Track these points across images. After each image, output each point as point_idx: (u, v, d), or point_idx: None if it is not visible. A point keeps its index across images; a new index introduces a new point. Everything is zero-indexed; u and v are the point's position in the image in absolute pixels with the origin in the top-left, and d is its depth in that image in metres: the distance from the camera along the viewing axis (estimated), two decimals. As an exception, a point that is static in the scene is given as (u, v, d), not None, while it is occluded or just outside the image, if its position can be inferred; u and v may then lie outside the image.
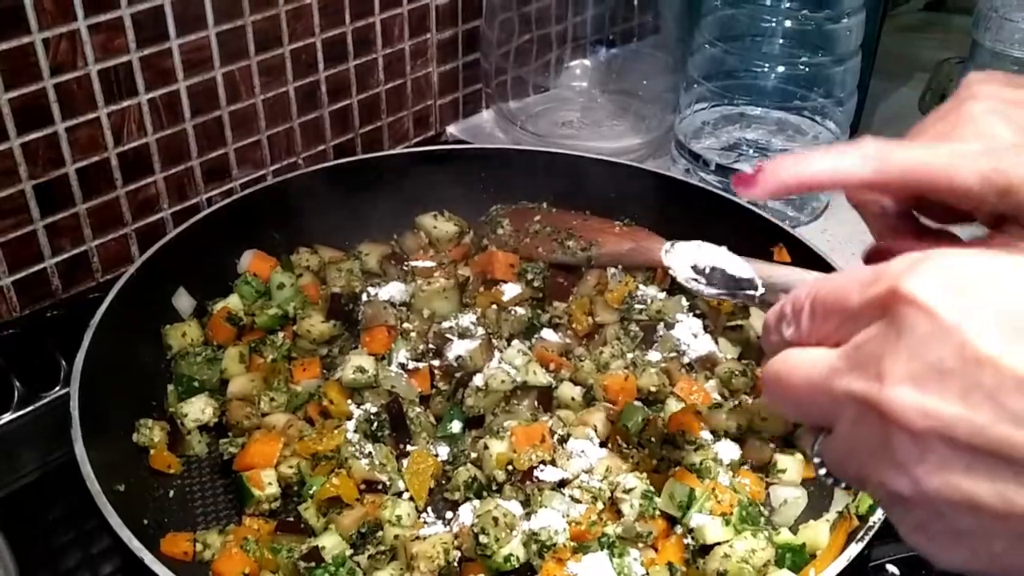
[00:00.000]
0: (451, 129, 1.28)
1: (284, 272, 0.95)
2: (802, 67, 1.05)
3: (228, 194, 1.06)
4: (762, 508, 0.78)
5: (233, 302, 0.93)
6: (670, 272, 0.70)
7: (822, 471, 0.43)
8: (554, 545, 0.71)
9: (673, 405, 0.84)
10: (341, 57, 1.11)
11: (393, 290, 0.92)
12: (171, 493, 0.80)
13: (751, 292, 0.66)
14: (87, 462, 0.70)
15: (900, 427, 0.36)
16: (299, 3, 1.04)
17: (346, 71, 1.13)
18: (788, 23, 1.03)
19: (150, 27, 0.93)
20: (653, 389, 0.85)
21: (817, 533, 0.74)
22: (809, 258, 0.88)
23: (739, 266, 0.68)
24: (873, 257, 0.64)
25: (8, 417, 0.87)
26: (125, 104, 0.95)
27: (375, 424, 0.81)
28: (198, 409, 0.84)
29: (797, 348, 0.43)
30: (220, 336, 0.90)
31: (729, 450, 0.81)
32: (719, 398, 0.86)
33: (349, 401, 0.84)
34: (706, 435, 0.82)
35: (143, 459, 0.81)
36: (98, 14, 0.89)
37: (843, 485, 0.45)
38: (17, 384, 0.89)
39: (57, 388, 0.89)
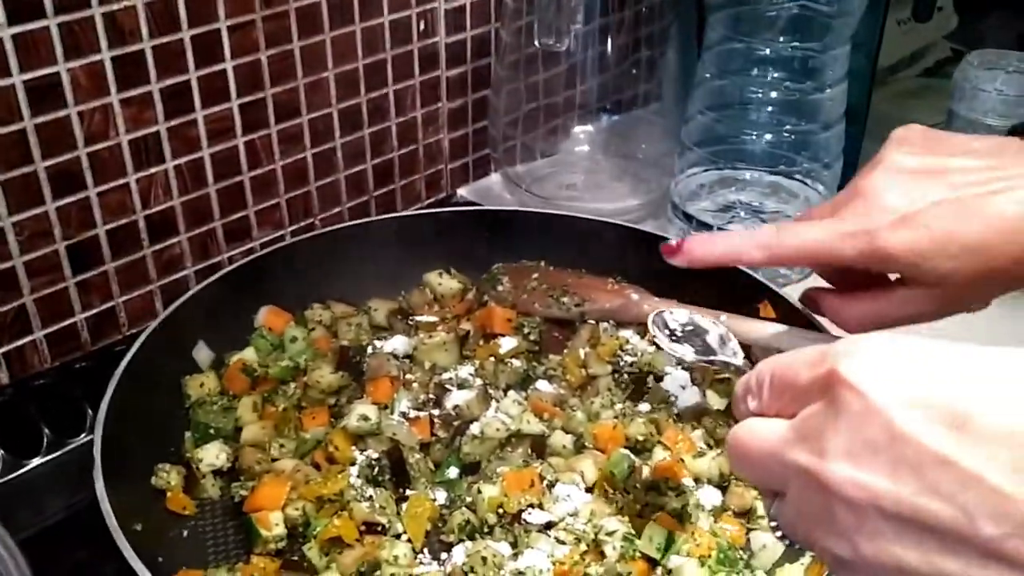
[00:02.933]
0: (461, 191, 1.35)
1: (297, 326, 1.01)
2: (787, 134, 1.11)
3: (248, 253, 1.13)
4: (742, 552, 0.81)
5: (248, 355, 0.99)
6: (655, 339, 0.74)
7: (778, 533, 0.49)
8: (539, 583, 0.75)
9: (659, 453, 0.89)
10: (356, 125, 1.19)
11: (397, 343, 0.97)
12: (185, 533, 0.86)
13: (730, 361, 0.70)
14: (107, 501, 0.75)
15: (839, 498, 0.41)
16: (317, 76, 1.11)
17: (361, 138, 1.20)
18: (774, 94, 1.09)
19: (177, 100, 1.01)
20: (641, 438, 0.90)
21: (791, 576, 0.78)
22: (791, 313, 0.93)
23: (722, 335, 0.73)
24: (805, 300, 0.72)
25: (37, 461, 0.93)
26: (153, 171, 1.02)
27: (377, 469, 0.86)
28: (213, 455, 0.89)
29: (759, 418, 0.49)
30: (236, 386, 0.96)
31: (711, 496, 0.85)
32: (704, 447, 0.90)
33: (353, 447, 0.89)
34: (689, 482, 0.86)
35: (160, 501, 0.86)
36: (129, 89, 0.97)
37: (797, 546, 0.51)
38: (46, 431, 0.95)
39: (83, 435, 0.95)
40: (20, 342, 0.99)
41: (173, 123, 1.02)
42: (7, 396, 0.99)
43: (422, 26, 1.19)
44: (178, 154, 1.03)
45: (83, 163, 0.97)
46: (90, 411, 0.95)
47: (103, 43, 0.93)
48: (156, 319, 0.95)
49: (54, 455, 0.94)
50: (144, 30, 0.96)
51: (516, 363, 0.97)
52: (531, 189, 1.31)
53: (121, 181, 1.00)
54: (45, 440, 0.95)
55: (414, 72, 1.22)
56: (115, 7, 0.93)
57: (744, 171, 1.15)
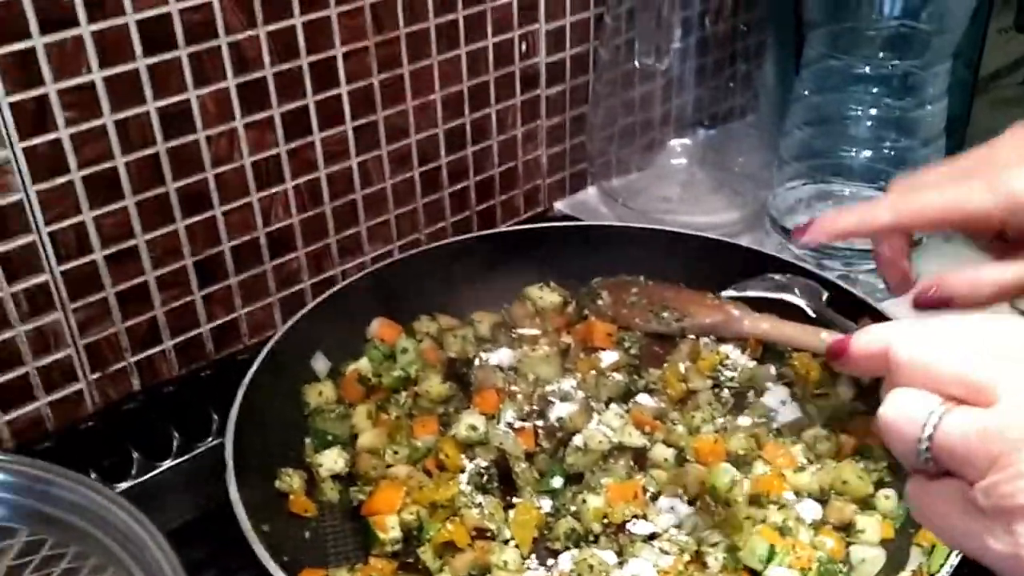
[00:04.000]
0: (558, 205, 1.39)
1: (407, 338, 1.06)
2: (887, 150, 1.11)
3: (360, 267, 1.18)
4: (841, 566, 0.83)
5: (363, 364, 1.04)
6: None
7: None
8: (644, 592, 0.78)
9: (760, 467, 0.91)
10: (460, 145, 1.23)
11: (502, 355, 1.02)
12: (307, 534, 0.91)
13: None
14: (240, 504, 0.81)
15: None
16: (425, 99, 1.16)
17: (464, 157, 1.25)
18: (873, 110, 1.10)
19: (296, 124, 1.07)
20: (741, 452, 0.92)
21: (891, 590, 0.80)
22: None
23: None
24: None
25: (168, 464, 1.00)
26: (273, 190, 1.08)
27: (485, 477, 0.91)
28: (331, 460, 0.95)
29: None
30: (351, 395, 1.01)
31: (811, 510, 0.87)
32: (804, 462, 0.92)
33: (462, 456, 0.93)
34: (789, 496, 0.88)
35: (283, 503, 0.92)
36: (253, 114, 1.03)
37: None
38: (176, 435, 1.02)
39: (209, 439, 1.01)
40: (150, 352, 1.06)
41: (292, 145, 1.07)
42: (139, 402, 1.06)
43: (523, 47, 1.23)
44: (297, 175, 1.09)
45: (210, 184, 1.03)
46: (215, 416, 1.02)
47: (229, 71, 0.99)
48: (277, 330, 1.01)
49: (183, 458, 1.00)
50: (266, 58, 1.01)
51: (617, 376, 1.00)
52: (627, 203, 1.34)
53: (244, 200, 1.06)
54: (175, 444, 1.01)
55: (515, 92, 1.26)
56: (240, 37, 0.99)
57: (843, 186, 1.16)
